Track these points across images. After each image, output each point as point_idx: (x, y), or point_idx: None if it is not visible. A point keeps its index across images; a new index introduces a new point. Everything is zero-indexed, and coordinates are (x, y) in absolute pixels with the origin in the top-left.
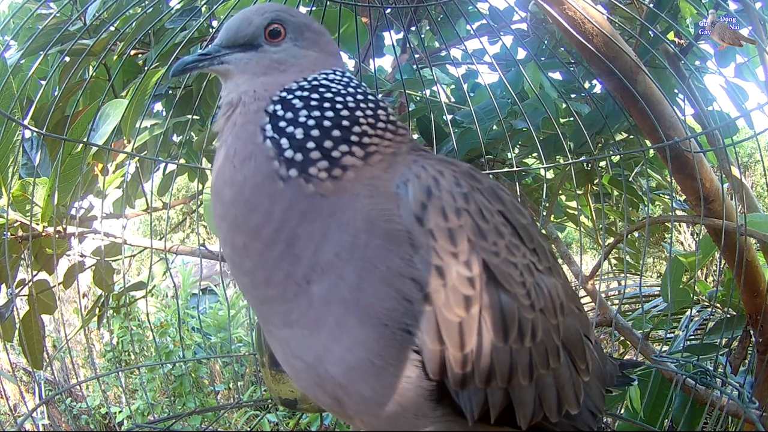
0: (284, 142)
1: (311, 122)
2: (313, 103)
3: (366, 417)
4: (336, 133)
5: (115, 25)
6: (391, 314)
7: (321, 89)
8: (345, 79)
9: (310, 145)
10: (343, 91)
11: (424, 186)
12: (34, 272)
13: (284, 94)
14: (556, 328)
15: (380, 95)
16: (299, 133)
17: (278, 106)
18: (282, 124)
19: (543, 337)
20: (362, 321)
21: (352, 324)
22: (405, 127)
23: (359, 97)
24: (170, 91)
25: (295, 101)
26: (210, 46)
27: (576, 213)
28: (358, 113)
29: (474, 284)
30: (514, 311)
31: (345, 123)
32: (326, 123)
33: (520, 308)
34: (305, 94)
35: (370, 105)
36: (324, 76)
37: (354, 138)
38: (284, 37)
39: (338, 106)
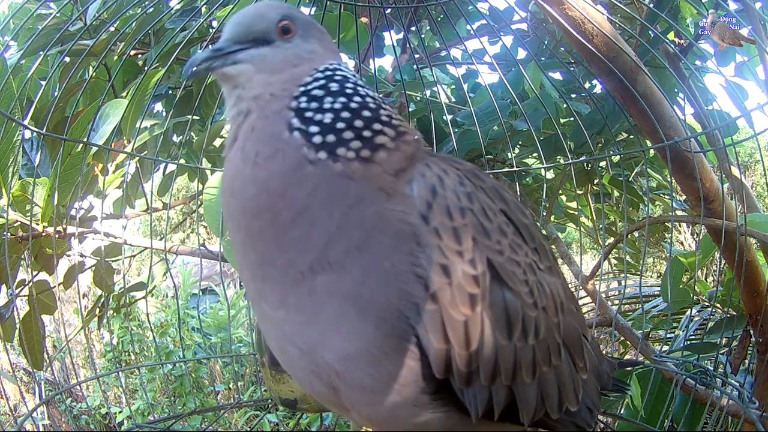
0: (313, 128)
1: (338, 105)
2: (334, 89)
3: (364, 408)
4: (366, 113)
5: (115, 25)
6: (391, 310)
7: (336, 77)
8: (352, 71)
9: (340, 125)
10: (358, 81)
11: (429, 185)
12: (34, 272)
13: (302, 88)
14: (557, 326)
15: (380, 95)
16: (328, 118)
17: (302, 99)
18: (308, 114)
19: (545, 334)
20: (362, 315)
21: (352, 317)
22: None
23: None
24: (170, 91)
25: (316, 91)
26: (219, 41)
27: (576, 213)
28: (382, 102)
29: (479, 282)
30: (518, 309)
31: (372, 105)
32: (353, 105)
33: (523, 306)
34: (323, 83)
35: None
36: (335, 66)
37: (384, 119)
38: (294, 33)
39: (361, 91)
